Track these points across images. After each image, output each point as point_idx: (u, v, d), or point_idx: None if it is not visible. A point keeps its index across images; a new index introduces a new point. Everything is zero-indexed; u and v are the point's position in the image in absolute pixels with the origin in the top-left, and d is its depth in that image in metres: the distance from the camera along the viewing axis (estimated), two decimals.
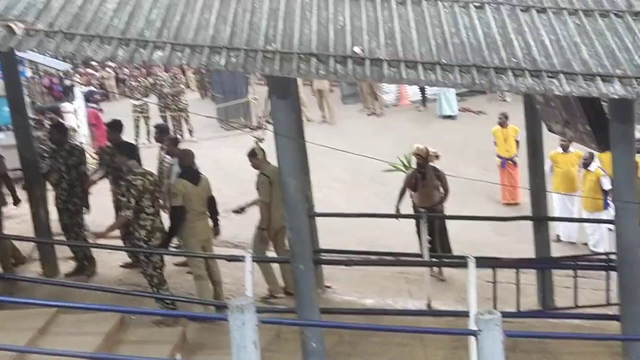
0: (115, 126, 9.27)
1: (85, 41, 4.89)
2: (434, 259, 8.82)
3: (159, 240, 7.41)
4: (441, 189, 9.58)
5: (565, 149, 11.37)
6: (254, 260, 7.20)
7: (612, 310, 7.34)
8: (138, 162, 8.80)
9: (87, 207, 9.03)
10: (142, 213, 7.25)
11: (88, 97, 14.50)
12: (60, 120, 10.63)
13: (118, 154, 7.60)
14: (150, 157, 9.78)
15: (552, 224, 9.77)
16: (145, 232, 7.31)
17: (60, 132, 9.11)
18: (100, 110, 14.06)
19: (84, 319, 6.35)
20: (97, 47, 4.87)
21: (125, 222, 7.25)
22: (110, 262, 9.16)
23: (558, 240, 11.17)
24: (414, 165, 9.83)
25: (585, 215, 10.91)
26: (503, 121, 13.16)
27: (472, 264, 6.36)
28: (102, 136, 13.43)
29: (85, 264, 8.94)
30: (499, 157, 13.14)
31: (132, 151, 7.64)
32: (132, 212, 7.16)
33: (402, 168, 9.93)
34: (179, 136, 17.19)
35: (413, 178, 9.64)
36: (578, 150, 11.10)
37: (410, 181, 9.65)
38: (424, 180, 9.56)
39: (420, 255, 8.44)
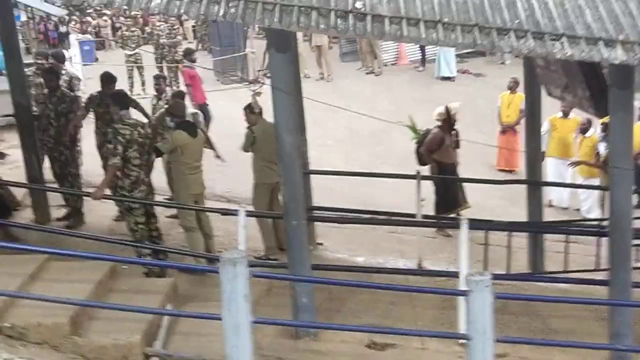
0: (108, 79, 9.14)
1: None
2: (426, 220, 8.83)
3: (143, 194, 7.36)
4: None
5: (565, 114, 11.32)
6: (250, 215, 7.21)
7: (601, 276, 7.42)
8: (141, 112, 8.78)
9: (75, 158, 8.95)
10: (128, 163, 7.20)
11: (185, 55, 14.00)
12: (56, 65, 10.42)
13: (111, 104, 7.51)
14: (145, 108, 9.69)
15: (545, 189, 9.80)
16: (130, 182, 7.25)
17: (54, 77, 8.99)
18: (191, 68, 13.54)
19: (75, 266, 6.34)
20: None
21: (116, 170, 7.19)
22: (102, 212, 9.14)
23: (550, 205, 11.20)
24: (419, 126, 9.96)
25: (579, 182, 10.93)
26: (513, 86, 12.73)
27: (464, 225, 6.38)
28: (198, 97, 13.30)
29: (77, 211, 8.94)
30: (500, 122, 13.02)
31: (124, 101, 7.54)
32: (120, 159, 7.11)
33: (415, 131, 10.05)
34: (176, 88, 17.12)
35: (441, 137, 9.67)
36: (577, 116, 11.07)
37: (441, 140, 9.65)
38: (451, 137, 9.75)
39: (413, 215, 8.44)
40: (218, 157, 8.76)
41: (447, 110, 9.71)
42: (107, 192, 7.58)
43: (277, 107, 5.69)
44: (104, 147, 8.73)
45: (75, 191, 8.81)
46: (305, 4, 4.83)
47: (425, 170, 9.65)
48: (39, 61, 10.92)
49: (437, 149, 9.62)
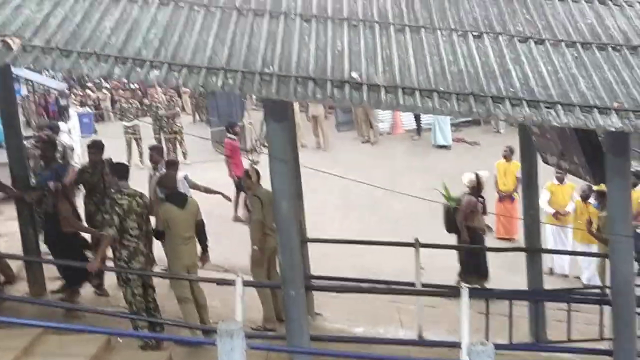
0: (96, 146, 9.19)
1: (82, 58, 4.86)
2: (426, 288, 8.72)
3: (141, 264, 7.31)
4: None
5: (560, 180, 11.36)
6: (247, 285, 7.12)
7: (605, 345, 7.29)
8: None
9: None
10: (126, 234, 7.18)
11: (228, 129, 14.03)
12: (53, 137, 10.50)
13: (110, 174, 7.56)
14: (142, 179, 9.73)
15: (545, 256, 9.73)
16: (127, 252, 7.21)
17: (50, 148, 9.05)
18: (235, 140, 13.56)
19: (69, 339, 6.23)
20: (93, 65, 4.84)
21: (110, 242, 7.15)
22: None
23: (551, 273, 11.11)
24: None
25: (579, 249, 10.87)
26: (508, 154, 12.83)
27: (465, 294, 6.29)
28: (237, 167, 13.42)
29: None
30: (497, 191, 13.01)
31: (123, 172, 7.56)
32: (115, 230, 7.07)
33: (450, 198, 10.26)
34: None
35: (475, 202, 9.94)
36: (572, 182, 11.11)
37: (475, 205, 9.90)
38: (479, 204, 10.06)
39: (412, 284, 8.34)
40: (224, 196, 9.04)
41: (477, 177, 9.96)
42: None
43: (274, 175, 5.70)
44: (96, 217, 8.72)
45: (71, 263, 8.71)
46: (302, 74, 4.91)
47: (453, 238, 9.89)
48: (38, 133, 11.00)
49: (470, 215, 9.77)
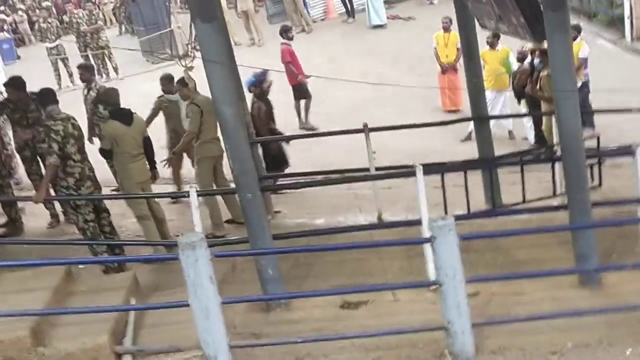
0: (12, 84, 8.42)
1: None
2: (381, 172, 8.74)
3: (90, 189, 7.09)
4: None
5: (492, 46, 11.30)
6: (200, 195, 7.02)
7: (558, 201, 7.48)
8: None
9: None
10: (69, 160, 6.90)
11: (282, 33, 12.92)
12: None
13: (38, 103, 7.16)
14: (76, 99, 9.34)
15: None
16: (74, 180, 6.97)
17: None
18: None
19: (28, 275, 6.07)
20: None
21: (55, 169, 6.87)
22: (49, 214, 8.82)
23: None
24: None
25: (524, 111, 10.98)
26: (447, 25, 12.49)
27: (419, 172, 6.29)
28: (299, 72, 12.85)
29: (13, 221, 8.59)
30: (440, 63, 12.88)
31: (51, 97, 7.14)
32: (57, 157, 6.80)
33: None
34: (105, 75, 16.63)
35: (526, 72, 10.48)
36: (505, 47, 11.11)
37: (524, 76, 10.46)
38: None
39: (366, 170, 8.34)
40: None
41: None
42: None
43: (211, 79, 5.46)
44: (26, 150, 8.41)
45: (9, 198, 8.45)
46: None
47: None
48: None
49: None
